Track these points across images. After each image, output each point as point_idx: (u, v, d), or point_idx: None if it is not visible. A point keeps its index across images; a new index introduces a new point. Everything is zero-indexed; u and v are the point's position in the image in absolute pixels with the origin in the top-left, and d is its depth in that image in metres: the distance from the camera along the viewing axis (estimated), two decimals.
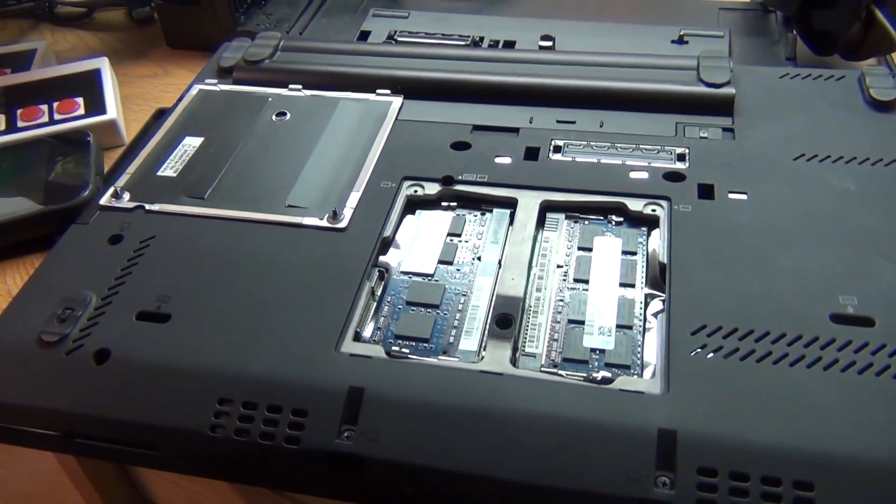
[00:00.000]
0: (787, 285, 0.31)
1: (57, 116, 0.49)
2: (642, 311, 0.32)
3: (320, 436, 0.28)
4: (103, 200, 0.38)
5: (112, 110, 0.50)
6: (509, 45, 0.51)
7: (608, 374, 0.30)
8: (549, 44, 0.50)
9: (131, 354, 0.31)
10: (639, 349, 0.31)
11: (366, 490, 0.28)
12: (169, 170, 0.40)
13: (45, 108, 0.49)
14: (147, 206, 0.38)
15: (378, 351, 0.31)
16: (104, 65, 0.53)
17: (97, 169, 0.44)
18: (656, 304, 0.32)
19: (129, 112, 0.54)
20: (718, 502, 0.26)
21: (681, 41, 0.50)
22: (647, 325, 0.32)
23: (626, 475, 0.26)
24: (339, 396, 0.29)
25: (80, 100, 0.50)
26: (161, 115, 0.44)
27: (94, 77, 0.52)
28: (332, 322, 0.32)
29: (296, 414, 0.29)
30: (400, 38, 0.52)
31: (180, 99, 0.45)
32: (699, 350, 0.29)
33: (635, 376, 0.30)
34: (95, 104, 0.50)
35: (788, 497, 0.25)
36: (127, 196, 0.38)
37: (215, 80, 0.46)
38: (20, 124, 0.48)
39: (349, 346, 0.31)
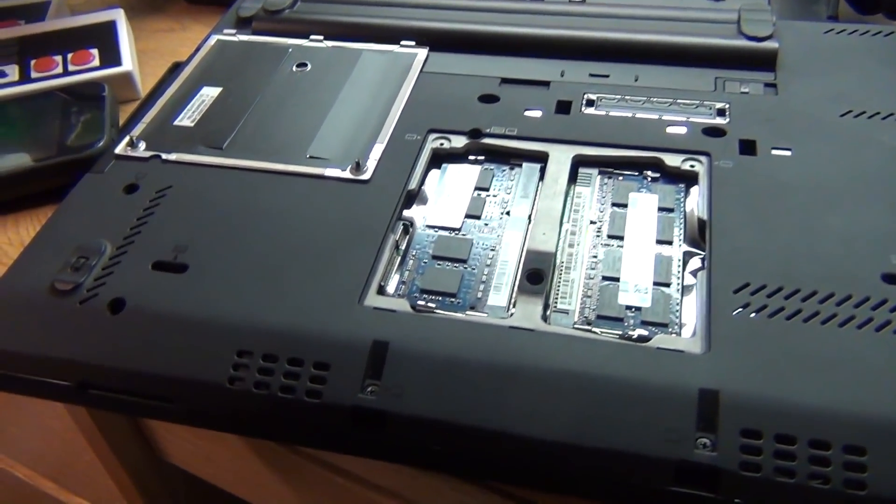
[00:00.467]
0: (834, 244, 0.30)
1: (71, 68, 0.48)
2: (680, 269, 0.31)
3: (342, 390, 0.27)
4: (118, 149, 0.37)
5: (128, 62, 0.48)
6: None
7: (645, 332, 0.28)
8: None
9: (147, 304, 0.30)
10: (677, 307, 0.29)
11: (389, 447, 0.27)
12: (186, 120, 0.39)
13: (59, 59, 0.48)
14: (164, 156, 0.36)
15: (403, 305, 0.29)
16: (119, 16, 0.52)
17: (112, 121, 0.43)
18: (695, 262, 0.31)
19: (145, 66, 0.53)
20: (763, 465, 0.24)
21: None
22: (686, 284, 0.30)
23: (664, 436, 0.25)
24: (363, 350, 0.28)
25: (94, 51, 0.49)
26: (177, 68, 0.43)
27: (110, 29, 0.51)
28: (355, 275, 0.30)
29: (317, 367, 0.28)
30: None
31: (198, 49, 0.44)
32: (742, 309, 0.28)
33: (674, 335, 0.28)
34: (110, 56, 0.48)
35: (838, 461, 0.24)
36: (143, 145, 0.37)
37: (234, 31, 0.45)
38: (34, 75, 0.47)
39: (373, 299, 0.30)
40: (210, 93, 0.40)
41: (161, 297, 0.30)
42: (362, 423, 0.27)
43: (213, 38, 0.44)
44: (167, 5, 0.60)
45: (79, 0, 0.62)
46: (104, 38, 0.50)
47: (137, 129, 0.38)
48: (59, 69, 0.47)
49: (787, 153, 0.34)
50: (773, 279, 0.29)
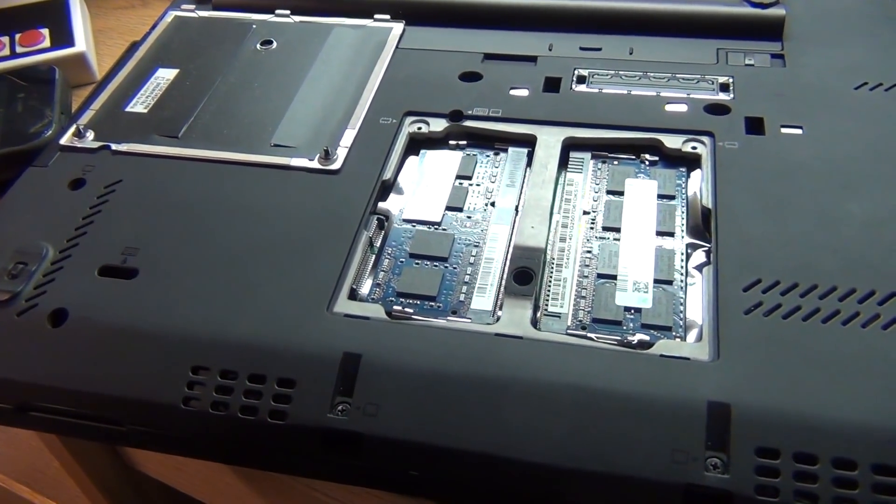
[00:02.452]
0: (854, 233, 0.27)
1: (19, 49, 0.44)
2: (683, 264, 0.28)
3: (310, 409, 0.24)
4: (64, 140, 0.34)
5: (81, 42, 0.45)
6: None
7: (646, 338, 0.25)
8: None
9: (92, 315, 0.27)
10: (681, 308, 0.26)
11: (363, 472, 0.24)
12: (139, 105, 0.35)
13: (5, 39, 0.44)
14: (113, 146, 0.33)
15: (377, 311, 0.26)
16: None
17: (62, 107, 0.40)
18: (699, 256, 0.28)
19: (103, 46, 0.49)
20: (782, 489, 0.21)
21: None
22: (690, 280, 0.27)
23: (670, 457, 0.22)
24: (332, 364, 0.25)
25: (45, 31, 0.45)
26: (133, 48, 0.39)
27: (62, 6, 0.47)
28: (323, 278, 0.27)
29: (282, 384, 0.25)
30: None
31: (153, 27, 0.40)
32: (753, 309, 0.25)
33: (678, 339, 0.25)
34: (62, 36, 0.45)
35: (866, 482, 0.21)
36: (91, 135, 0.34)
37: (192, 6, 0.41)
38: None
39: (344, 305, 0.27)
40: (166, 75, 0.37)
41: (107, 306, 0.27)
42: (333, 447, 0.24)
43: (171, 15, 0.41)
44: None
45: None
46: (56, 16, 0.46)
47: (85, 117, 0.35)
48: (6, 51, 0.44)
49: (798, 131, 0.31)
50: (787, 274, 0.26)
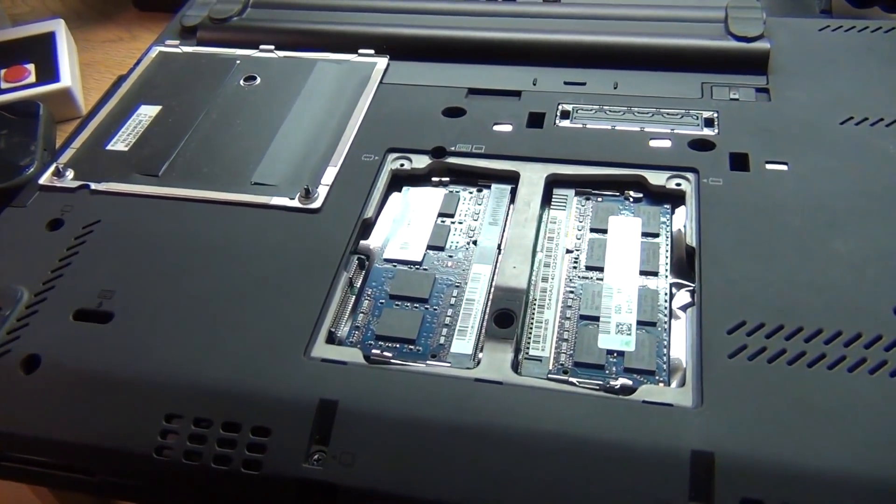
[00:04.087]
0: (840, 273, 0.26)
1: (4, 85, 0.44)
2: (667, 305, 0.27)
3: (285, 459, 0.24)
4: (43, 179, 0.33)
5: (66, 77, 0.45)
6: None
7: (629, 382, 0.25)
8: None
9: (65, 361, 0.26)
10: (665, 351, 0.26)
11: None
12: (120, 143, 0.35)
13: None
14: (93, 186, 0.33)
15: (355, 355, 0.26)
16: (59, 27, 0.48)
17: (46, 143, 0.40)
18: (683, 296, 0.27)
19: (90, 80, 0.49)
20: None
21: None
22: (675, 321, 0.27)
23: None
24: (308, 411, 0.24)
25: (31, 66, 0.45)
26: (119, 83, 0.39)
27: (48, 41, 0.47)
28: (301, 321, 0.27)
29: (256, 433, 0.24)
30: None
31: (137, 63, 0.40)
32: (738, 352, 0.25)
33: (661, 384, 0.25)
34: (48, 71, 0.45)
35: None
36: (70, 174, 0.33)
37: (177, 42, 0.41)
38: None
39: (321, 349, 0.26)
40: (148, 112, 0.36)
41: (81, 352, 0.27)
42: (308, 498, 0.23)
43: (155, 50, 0.40)
44: (116, 13, 0.56)
45: (23, 10, 0.58)
46: (42, 51, 0.46)
47: (66, 156, 0.34)
48: None
49: (784, 167, 0.31)
50: (772, 316, 0.25)
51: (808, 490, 0.21)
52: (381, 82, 0.37)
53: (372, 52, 0.38)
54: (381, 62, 0.38)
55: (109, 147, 0.35)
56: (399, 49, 0.38)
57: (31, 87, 0.44)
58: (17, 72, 0.44)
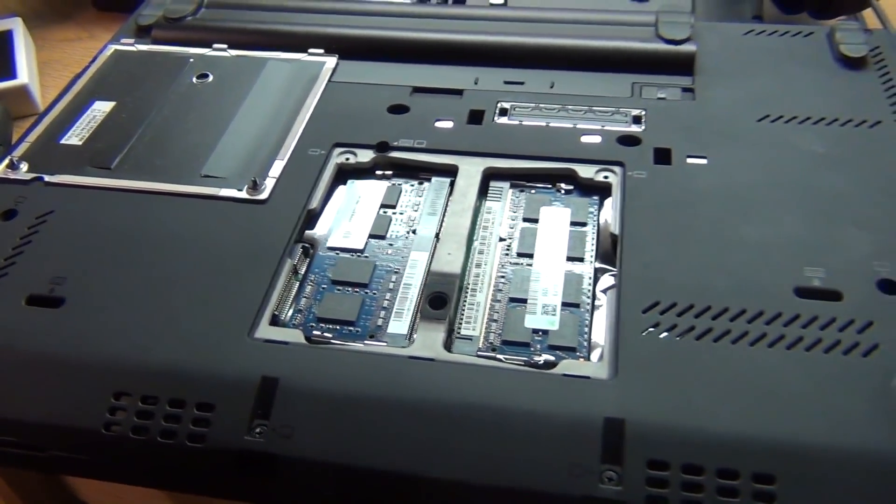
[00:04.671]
0: (748, 257, 0.29)
1: None
2: (591, 288, 0.29)
3: (228, 432, 0.25)
4: None
5: (24, 75, 0.45)
6: (459, 1, 0.47)
7: (551, 358, 0.27)
8: (501, 1, 0.47)
9: (17, 343, 0.28)
10: (586, 329, 0.28)
11: (279, 492, 0.25)
12: (74, 138, 0.36)
13: None
14: (46, 178, 0.34)
15: (297, 336, 0.27)
16: (16, 25, 0.49)
17: (2, 138, 0.40)
18: (607, 280, 0.29)
19: (48, 79, 0.50)
20: (670, 498, 0.23)
21: None
22: (597, 304, 0.29)
23: (567, 471, 0.23)
24: (251, 388, 0.26)
25: None
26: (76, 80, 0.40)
27: (5, 39, 0.48)
28: (246, 304, 0.28)
29: (200, 408, 0.25)
30: None
31: (93, 61, 0.41)
32: (651, 329, 0.27)
33: (581, 360, 0.27)
34: (5, 68, 0.46)
35: (747, 490, 0.23)
36: (24, 167, 0.34)
37: (132, 40, 0.42)
38: None
39: (265, 331, 0.28)
40: (102, 108, 0.37)
41: (33, 334, 0.28)
42: (249, 468, 0.25)
43: (110, 49, 0.41)
44: (75, 13, 0.57)
45: None
46: None
47: (20, 150, 0.35)
48: None
49: (703, 161, 0.33)
50: (684, 296, 0.27)
51: (709, 451, 0.23)
52: (329, 80, 0.38)
53: (321, 51, 0.40)
54: (331, 61, 0.39)
55: (63, 141, 0.36)
56: (348, 49, 0.40)
57: None
58: None
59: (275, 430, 0.25)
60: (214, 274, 0.29)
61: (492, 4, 0.46)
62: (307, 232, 0.32)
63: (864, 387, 0.24)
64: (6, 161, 0.34)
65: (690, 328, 0.26)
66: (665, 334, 0.26)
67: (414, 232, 0.32)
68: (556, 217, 0.32)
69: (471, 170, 0.34)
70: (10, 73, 0.45)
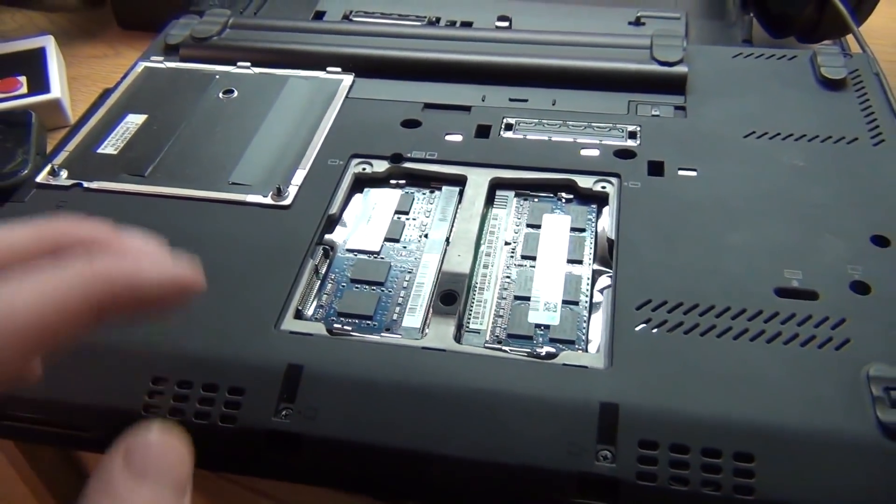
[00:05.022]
0: (733, 260, 0.31)
1: None
2: (589, 288, 0.32)
3: (257, 414, 0.28)
4: (39, 178, 0.37)
5: (56, 89, 0.48)
6: (466, 25, 0.50)
7: (552, 350, 0.29)
8: (506, 24, 0.50)
9: None
10: (584, 325, 0.30)
11: (304, 469, 0.28)
12: (109, 147, 0.39)
13: None
14: (85, 184, 0.36)
15: (319, 328, 0.30)
16: (49, 43, 0.52)
17: (38, 149, 0.43)
18: (604, 281, 0.32)
19: (77, 93, 0.53)
20: (659, 475, 0.25)
21: (638, 23, 0.50)
22: (594, 301, 0.31)
23: (567, 449, 0.26)
24: (277, 374, 0.28)
25: (22, 78, 0.48)
26: (106, 95, 0.43)
27: (39, 55, 0.51)
28: (272, 300, 0.31)
29: (232, 392, 0.28)
30: (355, 18, 0.51)
31: (125, 76, 0.44)
32: (644, 325, 0.29)
33: (580, 351, 0.29)
34: (39, 83, 0.48)
35: (728, 468, 0.25)
36: (64, 174, 0.37)
37: (161, 58, 0.45)
38: None
39: (290, 323, 0.30)
40: (135, 120, 0.40)
41: None
42: (277, 447, 0.27)
43: (141, 65, 0.44)
44: (100, 31, 0.60)
45: (11, 27, 0.61)
46: (33, 65, 0.50)
47: (59, 158, 0.38)
48: None
49: (693, 173, 0.35)
50: (674, 295, 0.30)
51: (694, 433, 0.26)
52: (346, 97, 0.41)
53: (339, 70, 0.43)
54: (347, 79, 0.42)
55: (100, 150, 0.39)
56: (364, 68, 0.43)
57: (23, 98, 0.47)
58: (10, 83, 0.48)
59: (300, 413, 0.27)
60: (243, 272, 0.32)
61: (498, 27, 0.49)
62: (327, 235, 0.34)
63: (837, 377, 0.27)
64: (48, 168, 0.37)
65: (679, 324, 0.29)
66: (656, 329, 0.29)
67: (426, 236, 0.34)
68: (557, 223, 0.35)
69: (478, 180, 0.36)
70: (44, 87, 0.48)
